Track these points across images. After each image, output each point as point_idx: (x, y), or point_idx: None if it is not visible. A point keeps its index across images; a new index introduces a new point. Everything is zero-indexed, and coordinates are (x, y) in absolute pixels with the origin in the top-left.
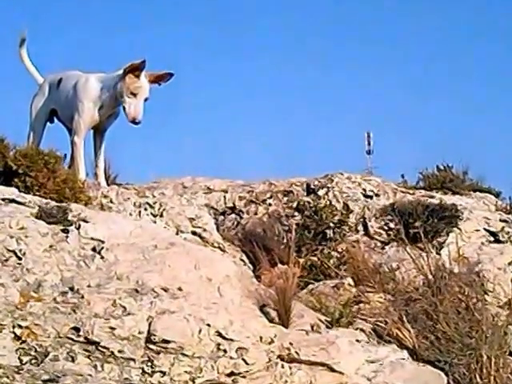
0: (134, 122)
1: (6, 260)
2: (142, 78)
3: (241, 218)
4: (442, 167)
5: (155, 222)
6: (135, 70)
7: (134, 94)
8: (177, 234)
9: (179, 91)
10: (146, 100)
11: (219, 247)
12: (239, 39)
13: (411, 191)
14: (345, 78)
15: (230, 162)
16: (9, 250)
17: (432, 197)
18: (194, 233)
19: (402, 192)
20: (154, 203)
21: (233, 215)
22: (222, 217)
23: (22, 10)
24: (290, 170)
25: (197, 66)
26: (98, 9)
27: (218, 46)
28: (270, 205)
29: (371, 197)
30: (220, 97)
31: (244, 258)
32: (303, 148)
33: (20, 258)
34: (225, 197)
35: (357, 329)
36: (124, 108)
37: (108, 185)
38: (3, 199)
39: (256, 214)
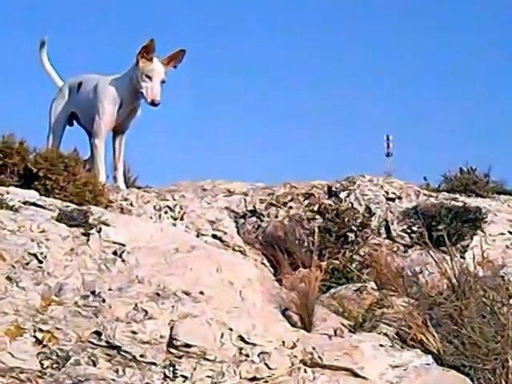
0: (153, 103)
1: (27, 263)
2: (154, 61)
3: (261, 221)
4: (465, 169)
5: (175, 225)
6: (147, 52)
7: (149, 77)
8: (197, 237)
9: (202, 91)
10: (162, 82)
11: (240, 251)
12: (260, 34)
13: (434, 194)
14: (364, 79)
15: (251, 164)
16: (30, 254)
17: (456, 199)
18: (214, 236)
19: (425, 195)
20: (175, 206)
21: (253, 218)
22: (242, 220)
23: (44, 14)
24: (310, 173)
25: (210, 67)
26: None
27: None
28: (290, 208)
29: (393, 199)
30: (240, 97)
31: (265, 261)
32: (322, 151)
33: (41, 262)
34: (245, 200)
35: (380, 333)
36: (142, 93)
37: (127, 187)
38: (24, 202)
39: (277, 217)
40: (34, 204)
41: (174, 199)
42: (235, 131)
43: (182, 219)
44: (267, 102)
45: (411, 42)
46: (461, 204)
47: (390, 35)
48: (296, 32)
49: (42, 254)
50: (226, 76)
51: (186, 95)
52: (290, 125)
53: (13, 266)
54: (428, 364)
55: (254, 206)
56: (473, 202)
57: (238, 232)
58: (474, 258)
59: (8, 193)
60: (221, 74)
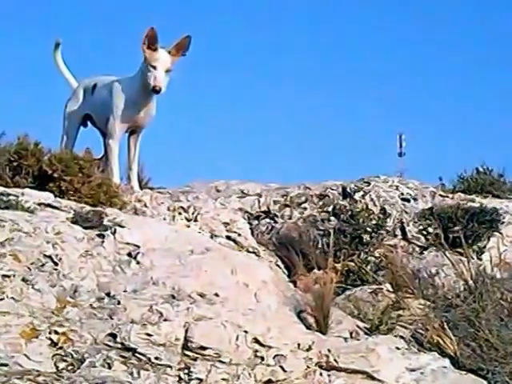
0: (154, 89)
1: (43, 265)
2: (160, 51)
3: (275, 222)
4: (481, 170)
5: (189, 227)
6: (150, 42)
7: (154, 67)
8: (211, 238)
9: (215, 95)
10: (168, 71)
11: (254, 252)
12: (273, 37)
13: (450, 195)
14: (376, 77)
15: (264, 165)
16: (45, 256)
17: (472, 200)
18: (228, 237)
19: (441, 195)
20: (188, 207)
21: (267, 219)
22: (256, 221)
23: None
24: (322, 172)
25: (225, 67)
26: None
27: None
28: (305, 209)
29: (409, 200)
30: (254, 99)
31: (279, 262)
32: (334, 150)
33: (56, 264)
34: (259, 201)
35: (396, 336)
36: (148, 82)
37: (141, 188)
38: (39, 204)
39: (291, 218)
40: (49, 205)
41: (188, 200)
42: (247, 130)
43: (195, 220)
44: (279, 101)
45: (425, 37)
46: (477, 205)
47: (404, 32)
48: (307, 31)
49: (57, 255)
50: (237, 74)
51: (201, 94)
52: (302, 124)
53: (28, 268)
54: (445, 367)
55: (268, 207)
56: (489, 202)
57: (252, 233)
58: (490, 259)
59: (23, 194)
60: (233, 72)
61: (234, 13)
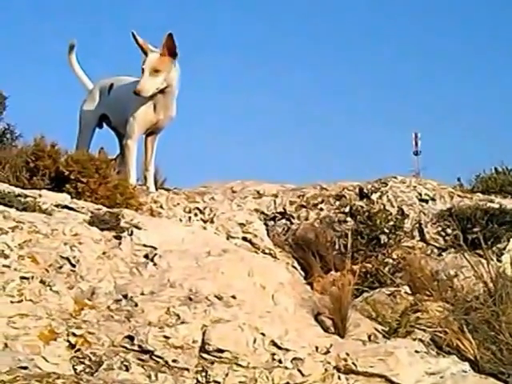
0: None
1: (60, 267)
2: (149, 53)
3: (291, 223)
4: (500, 169)
5: (205, 228)
6: (141, 48)
7: (142, 69)
8: (227, 239)
9: (231, 95)
10: (157, 72)
11: (270, 253)
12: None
13: (469, 195)
14: (392, 76)
15: (280, 165)
16: (62, 257)
17: (491, 201)
18: (244, 238)
19: (459, 196)
20: (204, 208)
21: (283, 220)
22: (272, 222)
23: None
24: (338, 172)
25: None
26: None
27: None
28: (321, 210)
29: (427, 201)
30: (269, 101)
31: (295, 264)
32: (350, 149)
33: (74, 266)
34: (275, 201)
35: (415, 339)
36: None
37: (156, 189)
38: (56, 205)
39: (307, 219)
40: (66, 207)
41: (204, 201)
42: (263, 131)
43: (211, 222)
44: (294, 101)
45: (443, 34)
46: (497, 206)
47: (422, 29)
48: (320, 27)
49: (74, 257)
50: (254, 74)
51: (217, 94)
52: (317, 124)
53: (46, 270)
54: (465, 371)
55: (284, 208)
56: (509, 203)
57: (268, 234)
58: (511, 261)
59: (40, 196)
60: (250, 72)
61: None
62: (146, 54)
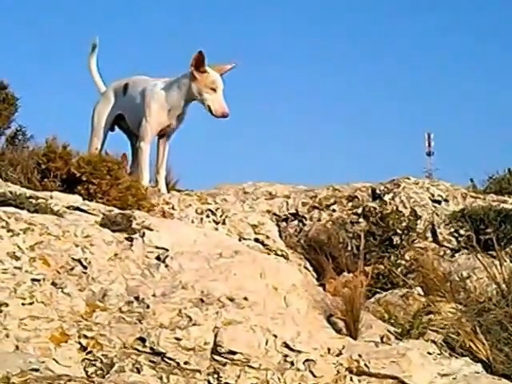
0: (223, 116)
1: (72, 269)
2: (211, 72)
3: (304, 224)
4: None
5: (217, 229)
6: (198, 65)
7: (214, 89)
8: (239, 241)
9: (242, 96)
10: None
11: (282, 255)
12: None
13: (482, 196)
14: (405, 76)
15: (293, 166)
16: (74, 259)
17: (504, 202)
18: (256, 240)
19: (472, 197)
20: (216, 210)
21: (295, 221)
22: (284, 223)
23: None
24: (350, 172)
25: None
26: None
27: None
28: (333, 211)
29: (440, 202)
30: (282, 102)
31: (308, 265)
32: (362, 150)
33: (85, 267)
34: (287, 202)
35: (428, 340)
36: (208, 106)
37: (168, 191)
38: (68, 207)
39: (319, 220)
40: (77, 209)
41: (216, 203)
42: (274, 132)
43: (223, 223)
44: (306, 102)
45: (453, 35)
46: (510, 206)
47: (432, 30)
48: (337, 30)
49: (86, 259)
50: (264, 77)
51: (228, 95)
52: (330, 124)
53: (58, 272)
54: (478, 373)
55: (297, 209)
56: None
57: (280, 235)
58: None
59: (52, 197)
60: (260, 74)
61: None
62: (202, 72)
